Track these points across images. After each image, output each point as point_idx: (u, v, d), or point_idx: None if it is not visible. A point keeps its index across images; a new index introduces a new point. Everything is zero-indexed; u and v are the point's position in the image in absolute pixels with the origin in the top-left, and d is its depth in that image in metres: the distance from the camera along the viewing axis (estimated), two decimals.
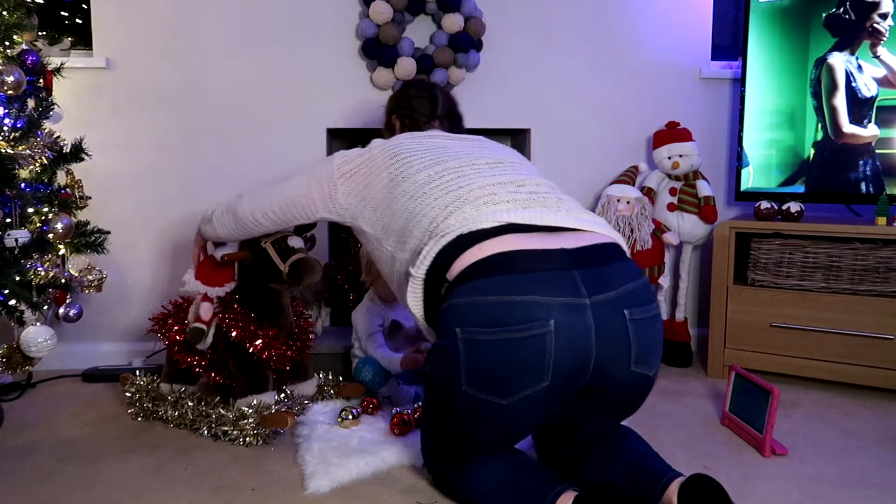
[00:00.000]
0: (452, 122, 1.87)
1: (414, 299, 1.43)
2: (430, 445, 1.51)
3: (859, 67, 2.27)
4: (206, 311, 1.90)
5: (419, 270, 1.40)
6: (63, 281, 2.03)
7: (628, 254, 1.47)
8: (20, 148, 1.83)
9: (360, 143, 2.60)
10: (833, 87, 2.32)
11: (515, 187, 1.50)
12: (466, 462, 1.42)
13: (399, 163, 1.56)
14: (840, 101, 2.31)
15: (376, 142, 1.67)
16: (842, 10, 2.29)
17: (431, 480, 1.56)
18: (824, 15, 2.32)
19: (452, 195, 1.46)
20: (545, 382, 1.25)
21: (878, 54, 2.25)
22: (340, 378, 2.18)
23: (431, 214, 1.44)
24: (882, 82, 2.25)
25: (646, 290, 1.37)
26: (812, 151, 2.38)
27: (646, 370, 1.35)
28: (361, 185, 1.59)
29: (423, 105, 1.80)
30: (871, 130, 2.27)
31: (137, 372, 2.12)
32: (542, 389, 1.26)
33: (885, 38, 2.23)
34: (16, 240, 1.81)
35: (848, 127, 2.31)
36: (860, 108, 2.29)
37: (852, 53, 2.28)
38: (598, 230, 1.42)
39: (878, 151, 2.27)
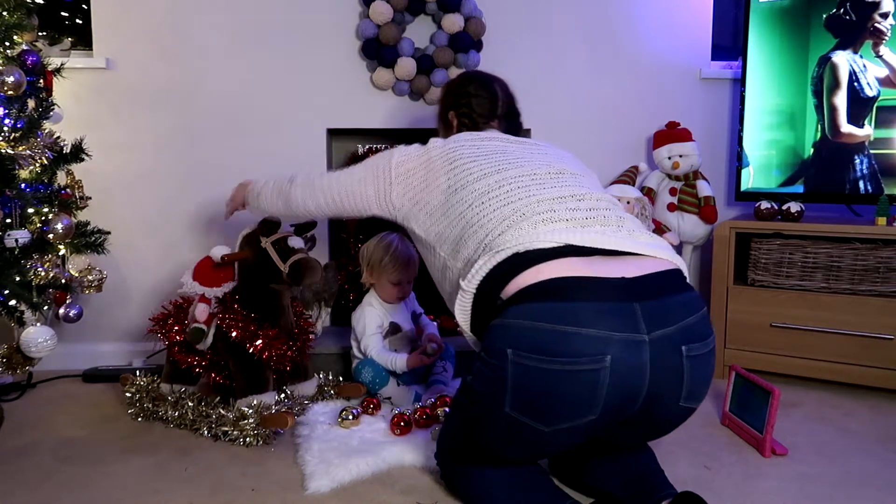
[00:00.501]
0: (510, 120, 1.80)
1: (462, 311, 1.40)
2: (447, 444, 1.48)
3: (864, 67, 2.27)
4: (201, 311, 1.90)
5: (470, 285, 1.36)
6: (63, 281, 2.03)
7: (688, 277, 1.40)
8: (20, 148, 1.83)
9: (361, 144, 2.64)
10: (835, 86, 2.32)
11: (575, 202, 1.43)
12: (477, 466, 1.41)
13: (459, 169, 1.51)
14: (841, 100, 2.31)
15: (435, 142, 1.62)
16: (842, 10, 2.29)
17: (434, 477, 1.56)
18: (825, 16, 2.32)
19: (511, 208, 1.41)
20: (592, 416, 1.21)
21: (881, 54, 2.25)
22: (340, 378, 2.18)
23: (488, 227, 1.40)
24: (884, 82, 2.25)
25: (704, 324, 1.31)
26: (811, 151, 2.38)
27: (693, 404, 1.31)
28: (418, 188, 1.55)
29: (482, 105, 1.74)
30: (865, 130, 2.27)
31: (137, 372, 2.12)
32: (588, 422, 1.23)
33: (887, 38, 2.23)
34: (16, 240, 1.81)
35: (845, 126, 2.31)
36: (861, 107, 2.29)
37: (855, 52, 2.28)
38: (660, 255, 1.34)
39: (875, 151, 2.27)
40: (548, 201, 1.42)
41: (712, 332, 1.33)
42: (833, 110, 2.33)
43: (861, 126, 2.28)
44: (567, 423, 1.22)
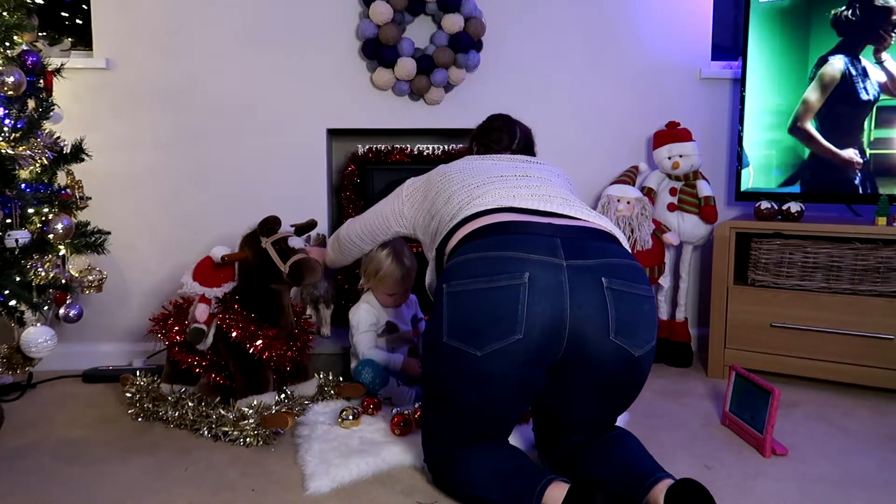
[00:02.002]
0: (525, 154, 1.95)
1: (429, 281, 1.64)
2: (426, 431, 1.55)
3: (862, 71, 2.27)
4: (201, 312, 1.90)
5: (431, 253, 1.60)
6: (63, 281, 2.03)
7: (626, 246, 1.51)
8: (20, 148, 1.83)
9: (361, 144, 2.64)
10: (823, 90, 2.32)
11: (527, 189, 1.60)
12: (459, 451, 1.45)
13: (446, 178, 1.73)
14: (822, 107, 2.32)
15: (439, 166, 1.83)
16: (850, 11, 2.28)
17: (431, 478, 1.56)
18: (832, 12, 2.31)
19: (469, 196, 1.60)
20: (517, 335, 1.29)
21: (882, 60, 2.24)
22: (340, 378, 2.18)
23: (450, 213, 1.60)
24: (883, 88, 2.25)
25: (631, 270, 1.40)
26: (811, 151, 2.38)
27: (627, 345, 1.35)
28: (420, 200, 1.80)
29: (501, 139, 1.92)
30: (848, 153, 2.30)
31: (138, 372, 2.12)
32: (514, 343, 1.30)
33: (890, 44, 2.22)
34: (16, 240, 1.81)
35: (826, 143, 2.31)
36: (858, 110, 2.29)
37: (855, 57, 2.28)
38: (596, 220, 1.49)
39: (873, 152, 2.27)
40: (503, 189, 1.60)
41: (644, 282, 1.41)
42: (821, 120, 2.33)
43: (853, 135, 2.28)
44: (495, 344, 1.30)
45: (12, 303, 1.82)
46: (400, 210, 1.85)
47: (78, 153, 2.14)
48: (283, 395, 1.94)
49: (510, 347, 1.30)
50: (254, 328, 1.88)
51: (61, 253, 2.11)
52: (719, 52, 2.77)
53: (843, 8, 2.30)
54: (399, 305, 2.17)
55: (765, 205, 2.35)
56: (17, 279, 1.82)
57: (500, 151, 1.89)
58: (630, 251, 1.51)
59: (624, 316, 1.34)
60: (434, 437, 1.53)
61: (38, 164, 1.93)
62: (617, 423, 1.56)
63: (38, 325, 1.87)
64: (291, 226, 2.03)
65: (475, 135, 1.99)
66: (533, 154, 1.99)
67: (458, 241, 1.47)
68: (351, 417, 1.84)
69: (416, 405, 1.90)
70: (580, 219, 1.49)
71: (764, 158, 2.47)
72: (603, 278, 1.34)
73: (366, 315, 2.11)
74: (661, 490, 1.28)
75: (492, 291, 1.31)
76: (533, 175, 1.70)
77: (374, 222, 1.92)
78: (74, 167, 2.23)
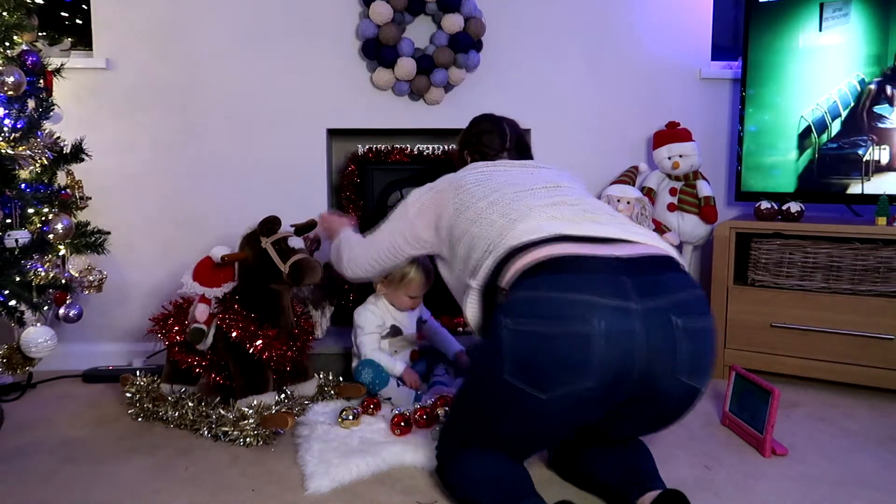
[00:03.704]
0: (521, 152, 1.91)
1: (472, 311, 1.48)
2: (447, 428, 1.54)
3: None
4: (201, 312, 1.90)
5: (476, 282, 1.45)
6: (63, 281, 2.03)
7: (684, 265, 1.44)
8: (20, 148, 1.83)
9: (361, 144, 2.64)
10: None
11: (569, 207, 1.54)
12: (468, 450, 1.44)
13: (463, 193, 1.64)
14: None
15: (445, 176, 1.76)
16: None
17: (434, 477, 1.57)
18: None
19: (508, 217, 1.51)
20: (588, 383, 1.24)
21: None
22: (340, 378, 2.18)
23: (490, 236, 1.50)
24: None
25: (700, 302, 1.34)
26: (811, 151, 2.38)
27: (696, 382, 1.32)
28: (433, 217, 1.70)
29: (492, 140, 1.87)
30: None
31: (138, 372, 2.12)
32: (585, 390, 1.24)
33: None
34: (16, 240, 1.81)
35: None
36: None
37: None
38: (650, 242, 1.41)
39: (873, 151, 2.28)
40: (542, 207, 1.52)
41: (709, 312, 1.36)
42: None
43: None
44: (563, 388, 1.25)
45: (12, 303, 1.82)
46: (414, 234, 1.73)
47: (78, 153, 2.14)
48: (283, 395, 1.94)
49: (578, 392, 1.25)
50: (254, 328, 1.88)
51: (61, 253, 2.11)
52: (719, 52, 2.77)
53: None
54: (416, 307, 2.18)
55: (765, 205, 2.35)
56: (17, 279, 1.82)
57: (496, 154, 1.86)
58: (687, 270, 1.44)
59: (693, 355, 1.30)
60: (454, 438, 1.50)
61: (38, 164, 1.93)
62: None
63: (38, 325, 1.87)
64: (291, 226, 2.03)
65: (464, 142, 1.93)
66: (528, 149, 1.96)
67: (515, 276, 1.35)
68: (351, 417, 1.84)
69: (416, 405, 1.90)
70: (638, 242, 1.40)
71: (764, 159, 2.47)
72: (674, 318, 1.27)
73: (372, 317, 2.11)
74: (647, 500, 1.31)
75: (562, 337, 1.23)
76: (563, 186, 1.64)
77: (387, 255, 1.80)
78: (74, 167, 2.23)
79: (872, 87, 2.26)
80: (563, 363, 1.24)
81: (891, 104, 2.24)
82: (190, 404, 1.90)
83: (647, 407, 1.35)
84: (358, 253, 1.88)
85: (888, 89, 2.24)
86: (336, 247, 1.98)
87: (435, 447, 1.57)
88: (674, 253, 1.42)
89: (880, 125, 2.26)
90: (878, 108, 2.26)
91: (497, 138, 1.87)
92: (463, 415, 1.49)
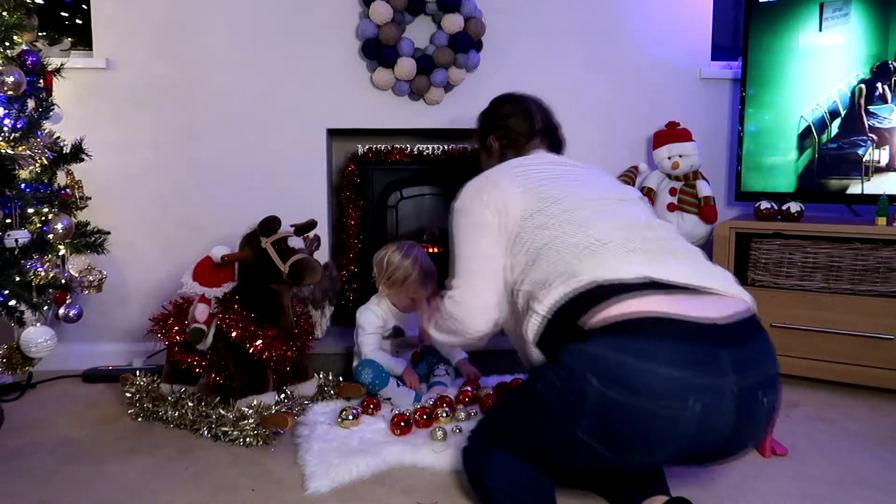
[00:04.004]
0: (551, 134, 1.78)
1: (532, 332, 1.36)
2: (491, 422, 1.48)
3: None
4: (201, 312, 1.90)
5: (544, 308, 1.33)
6: (63, 281, 2.03)
7: (754, 308, 1.38)
8: (20, 148, 1.83)
9: (360, 144, 2.63)
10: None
11: (646, 231, 1.43)
12: (500, 451, 1.39)
13: (532, 194, 1.49)
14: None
15: (490, 173, 1.59)
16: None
17: (434, 477, 1.57)
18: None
19: (588, 234, 1.39)
20: (665, 455, 1.23)
21: None
22: (340, 378, 2.18)
23: (565, 253, 1.37)
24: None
25: (778, 372, 1.32)
26: (812, 150, 2.38)
27: (753, 444, 1.34)
28: (500, 214, 1.50)
29: (519, 123, 1.72)
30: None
31: (137, 372, 2.12)
32: (657, 460, 1.24)
33: None
34: (16, 240, 1.81)
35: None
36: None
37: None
38: (732, 292, 1.34)
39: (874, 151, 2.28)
40: (622, 230, 1.41)
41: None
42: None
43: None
44: (637, 456, 1.23)
45: (12, 303, 1.82)
46: (510, 237, 1.48)
47: (78, 153, 2.14)
48: (282, 395, 1.94)
49: (650, 459, 1.24)
50: (254, 328, 1.88)
51: (61, 253, 2.11)
52: (719, 52, 2.77)
53: None
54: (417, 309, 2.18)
55: (765, 205, 2.35)
56: (17, 279, 1.82)
57: (528, 139, 1.72)
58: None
59: (764, 423, 1.31)
60: (494, 435, 1.44)
61: (37, 164, 1.93)
62: None
63: (38, 325, 1.87)
64: (291, 226, 2.03)
65: (487, 128, 1.78)
66: (556, 131, 1.81)
67: (601, 324, 1.24)
68: (351, 417, 1.84)
69: (416, 405, 1.90)
70: (725, 295, 1.32)
71: (764, 158, 2.47)
72: (762, 396, 1.24)
73: (373, 317, 2.11)
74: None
75: (652, 415, 1.17)
76: (628, 198, 1.54)
77: (485, 268, 1.51)
78: (74, 167, 2.23)
79: (873, 86, 2.26)
80: (647, 438, 1.20)
81: (886, 102, 2.24)
82: (190, 404, 1.90)
83: (704, 461, 1.35)
84: (460, 300, 1.55)
85: (887, 89, 2.24)
86: (434, 332, 1.66)
87: (472, 430, 1.50)
88: (750, 300, 1.36)
89: (880, 125, 2.26)
90: (878, 108, 2.26)
91: (525, 121, 1.72)
92: (512, 425, 1.40)
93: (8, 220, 1.83)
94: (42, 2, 2.16)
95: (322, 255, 2.52)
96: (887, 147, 2.25)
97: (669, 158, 2.53)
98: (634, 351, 1.19)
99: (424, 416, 1.83)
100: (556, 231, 1.41)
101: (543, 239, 1.41)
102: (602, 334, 1.23)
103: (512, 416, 1.41)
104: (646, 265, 1.32)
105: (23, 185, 1.94)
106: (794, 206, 2.29)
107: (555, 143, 1.80)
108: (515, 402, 1.42)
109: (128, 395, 2.01)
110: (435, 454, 1.66)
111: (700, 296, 1.29)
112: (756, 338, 1.30)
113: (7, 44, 1.88)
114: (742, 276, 2.36)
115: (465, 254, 1.54)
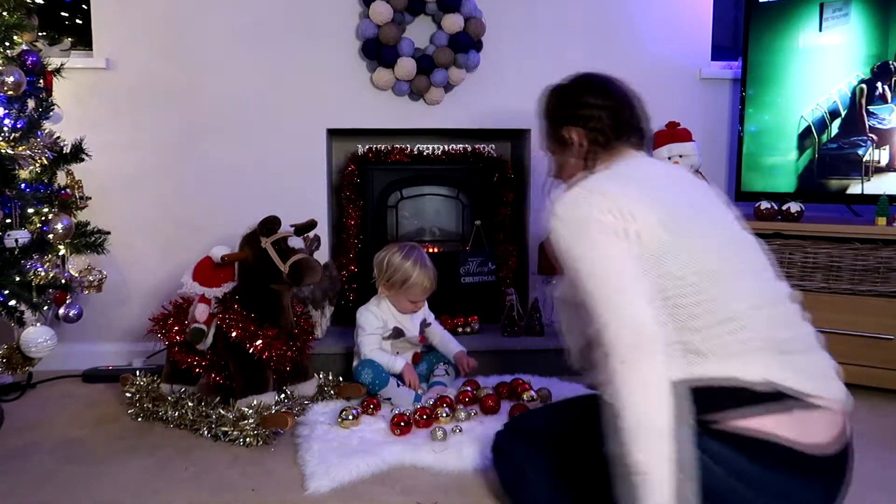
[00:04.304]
0: (640, 130, 1.52)
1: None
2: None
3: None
4: (201, 311, 1.90)
5: (675, 373, 1.15)
6: (63, 281, 2.03)
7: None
8: (20, 148, 1.83)
9: (360, 144, 2.63)
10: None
11: (770, 304, 1.26)
12: (544, 465, 1.36)
13: (669, 226, 1.23)
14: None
15: (594, 182, 1.30)
16: None
17: (434, 477, 1.57)
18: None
19: (727, 306, 1.20)
20: None
21: None
22: (340, 378, 2.18)
23: (697, 319, 1.19)
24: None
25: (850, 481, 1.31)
26: (812, 150, 2.38)
27: None
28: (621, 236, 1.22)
29: (610, 115, 1.43)
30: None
31: (137, 372, 2.12)
32: None
33: None
34: (16, 240, 1.81)
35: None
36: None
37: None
38: (840, 399, 1.26)
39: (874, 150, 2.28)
40: (764, 308, 1.24)
41: None
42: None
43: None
44: None
45: (12, 303, 1.82)
46: (626, 230, 1.20)
47: (78, 153, 2.14)
48: (282, 395, 1.94)
49: None
50: (254, 328, 1.88)
51: (61, 253, 2.11)
52: (719, 52, 2.77)
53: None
54: (419, 311, 2.17)
55: (765, 205, 2.35)
56: (17, 279, 1.82)
57: (622, 136, 1.46)
58: None
59: None
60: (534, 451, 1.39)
61: (38, 164, 1.93)
62: None
63: (38, 325, 1.87)
64: (291, 226, 2.03)
65: (567, 118, 1.47)
66: (645, 118, 1.55)
67: (732, 433, 1.16)
68: (351, 417, 1.84)
69: (416, 405, 1.90)
70: (835, 409, 1.24)
71: (764, 158, 2.47)
72: None
73: (372, 318, 2.10)
74: None
75: None
76: (750, 238, 1.38)
77: (616, 287, 1.20)
78: (74, 167, 2.23)
79: (873, 86, 2.26)
80: None
81: (886, 102, 2.24)
82: (190, 404, 1.90)
83: None
84: (614, 341, 1.19)
85: (887, 89, 2.24)
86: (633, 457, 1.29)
87: (497, 431, 1.49)
88: (849, 403, 1.27)
89: (880, 125, 2.26)
90: (878, 108, 2.26)
91: (614, 113, 1.44)
92: (564, 465, 1.33)
93: (8, 220, 1.83)
94: (42, 2, 2.16)
95: (322, 255, 2.51)
96: (887, 147, 2.25)
97: (669, 158, 2.52)
98: (747, 481, 1.16)
99: (424, 416, 1.83)
100: (688, 288, 1.20)
101: (673, 289, 1.20)
102: (732, 446, 1.16)
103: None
104: (773, 370, 1.19)
105: (23, 185, 1.94)
106: (794, 206, 2.29)
107: (643, 141, 1.53)
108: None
109: (128, 395, 2.01)
110: (435, 454, 1.66)
111: (811, 410, 1.19)
112: (849, 459, 1.26)
113: (7, 44, 1.89)
114: None
115: (593, 282, 1.22)
